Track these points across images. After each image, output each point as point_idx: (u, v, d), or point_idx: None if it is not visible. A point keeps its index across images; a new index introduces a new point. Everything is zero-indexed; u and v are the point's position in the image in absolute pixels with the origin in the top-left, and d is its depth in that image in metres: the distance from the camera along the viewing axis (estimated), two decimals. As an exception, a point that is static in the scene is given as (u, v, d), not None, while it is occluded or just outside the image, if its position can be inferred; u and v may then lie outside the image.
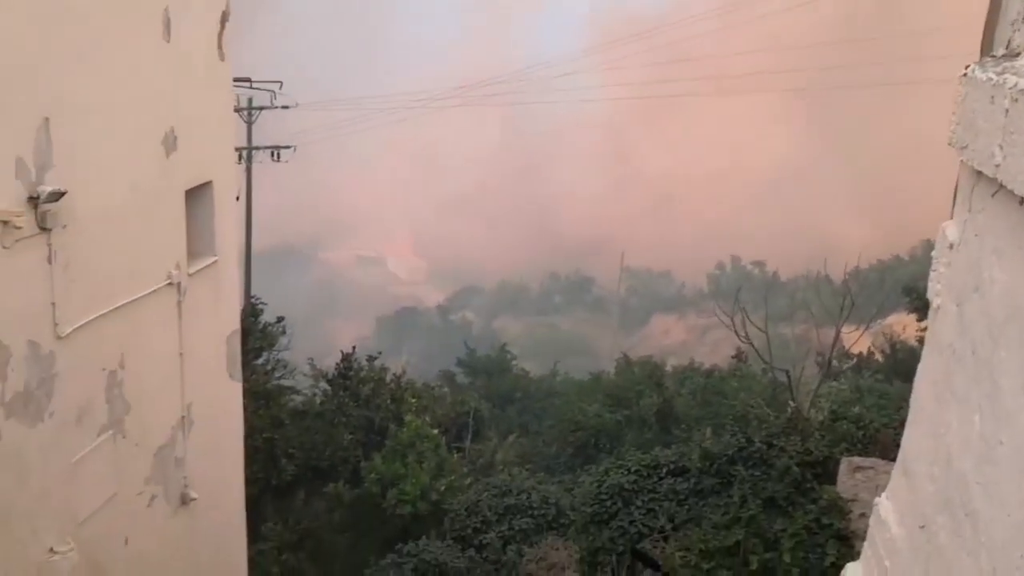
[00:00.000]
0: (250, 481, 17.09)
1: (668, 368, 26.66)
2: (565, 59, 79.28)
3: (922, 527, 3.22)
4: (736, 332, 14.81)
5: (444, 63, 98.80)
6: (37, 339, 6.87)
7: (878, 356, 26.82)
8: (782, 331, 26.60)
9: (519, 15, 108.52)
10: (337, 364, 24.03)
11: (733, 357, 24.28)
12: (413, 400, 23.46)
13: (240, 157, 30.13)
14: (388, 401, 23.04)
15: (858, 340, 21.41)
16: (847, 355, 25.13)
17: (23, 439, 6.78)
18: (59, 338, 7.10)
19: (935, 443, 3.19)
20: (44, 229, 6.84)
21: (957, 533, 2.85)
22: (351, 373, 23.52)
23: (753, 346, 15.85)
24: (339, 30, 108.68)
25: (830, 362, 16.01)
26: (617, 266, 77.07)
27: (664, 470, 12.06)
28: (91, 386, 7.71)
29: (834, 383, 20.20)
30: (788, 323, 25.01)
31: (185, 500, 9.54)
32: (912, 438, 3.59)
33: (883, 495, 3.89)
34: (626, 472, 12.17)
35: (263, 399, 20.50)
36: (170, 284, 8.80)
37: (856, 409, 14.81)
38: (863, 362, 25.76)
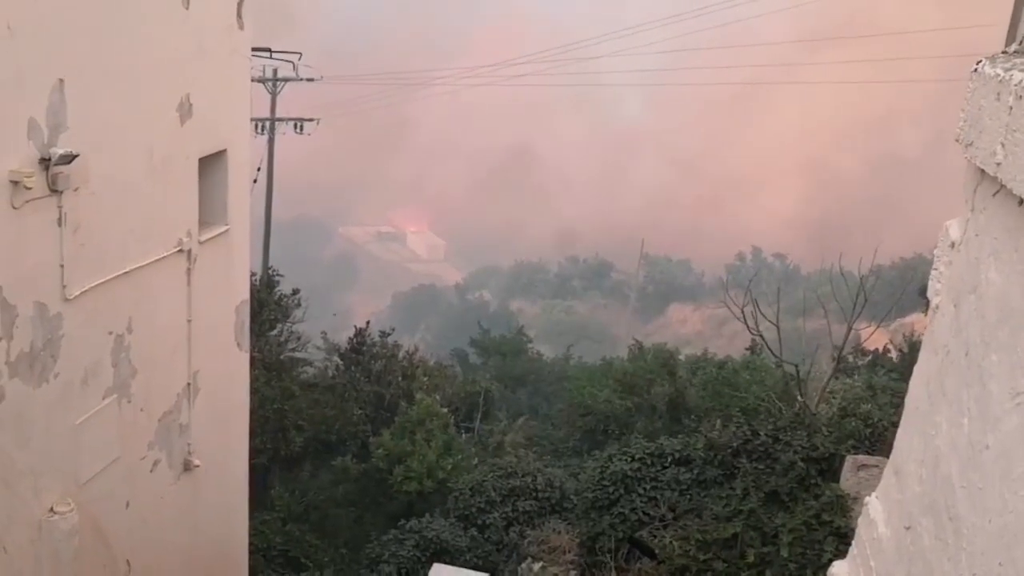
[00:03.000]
0: (258, 451, 17.29)
1: (682, 357, 26.52)
2: (589, 41, 78.76)
3: (908, 528, 3.18)
4: (746, 323, 14.70)
5: (482, 41, 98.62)
6: (44, 300, 6.91)
7: (893, 354, 26.60)
8: (799, 325, 26.37)
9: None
10: (350, 339, 24.10)
11: (747, 349, 24.12)
12: (424, 378, 23.53)
13: (263, 128, 30.20)
14: (399, 378, 23.11)
15: (872, 337, 21.22)
16: (862, 352, 24.94)
17: (27, 399, 6.84)
18: (67, 300, 7.14)
19: (925, 444, 3.14)
20: (55, 191, 6.87)
21: (940, 537, 2.81)
22: (364, 348, 23.59)
23: (763, 339, 15.74)
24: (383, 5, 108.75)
25: (839, 358, 15.86)
26: (637, 252, 76.73)
27: (668, 459, 12.03)
28: (98, 349, 7.75)
29: (848, 380, 20.05)
30: (806, 317, 24.80)
31: (188, 467, 9.60)
32: (904, 437, 3.54)
33: (874, 494, 3.86)
34: (630, 459, 12.14)
35: (275, 370, 20.59)
36: (180, 251, 8.82)
37: (867, 406, 14.69)
38: (879, 359, 25.55)
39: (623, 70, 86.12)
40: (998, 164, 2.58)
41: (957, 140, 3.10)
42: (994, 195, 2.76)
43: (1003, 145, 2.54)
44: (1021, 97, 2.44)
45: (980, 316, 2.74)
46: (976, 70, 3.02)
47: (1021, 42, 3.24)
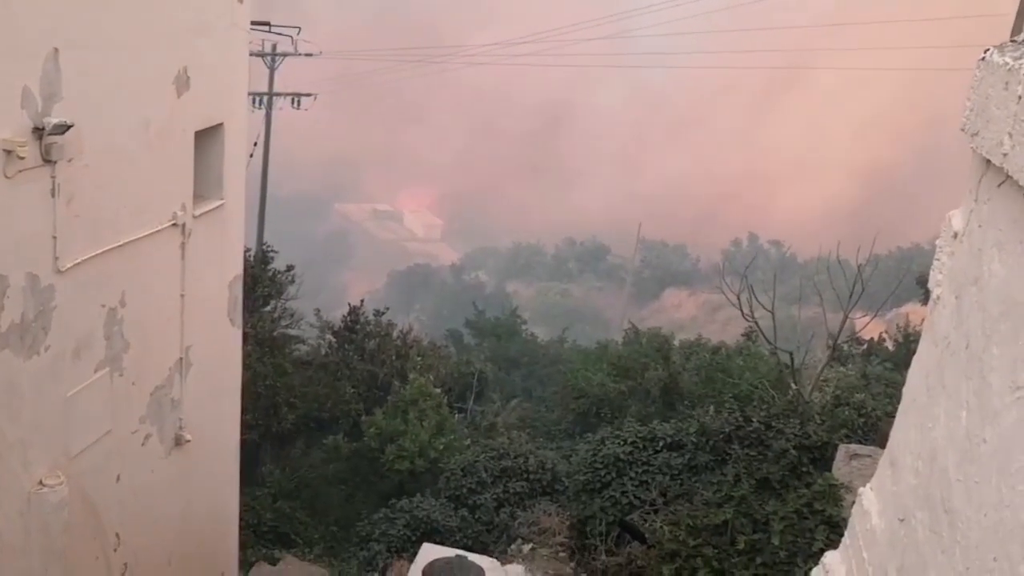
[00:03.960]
0: (250, 427, 17.25)
1: (676, 343, 26.51)
2: (608, 19, 78.23)
3: (902, 520, 3.16)
4: (740, 309, 14.67)
5: (487, 19, 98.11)
6: (36, 271, 6.85)
7: (889, 344, 26.63)
8: (794, 313, 26.38)
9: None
10: (344, 317, 24.05)
11: (743, 336, 24.12)
12: (418, 358, 23.49)
13: (260, 103, 30.04)
14: (393, 357, 23.08)
15: (868, 326, 21.22)
16: (858, 341, 24.95)
17: (17, 371, 6.79)
18: (59, 272, 7.08)
19: (922, 436, 3.12)
20: (48, 161, 6.79)
21: (935, 530, 2.79)
22: (358, 327, 23.55)
23: (757, 325, 15.73)
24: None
25: (834, 346, 15.85)
26: (634, 235, 76.67)
27: (660, 443, 12.03)
28: (90, 322, 7.70)
29: (842, 368, 20.09)
30: (801, 304, 24.81)
31: (179, 441, 9.58)
32: (901, 429, 3.52)
33: (868, 485, 3.83)
34: (622, 443, 12.15)
35: (268, 347, 20.54)
36: (175, 225, 8.76)
37: (861, 396, 14.71)
38: (874, 348, 25.57)
39: (641, 52, 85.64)
40: (1004, 154, 2.54)
41: (962, 129, 3.05)
42: (999, 186, 2.71)
43: (1010, 135, 2.50)
44: (1031, 87, 2.40)
45: (982, 308, 2.70)
46: (984, 58, 2.97)
47: (1017, 33, 3.20)
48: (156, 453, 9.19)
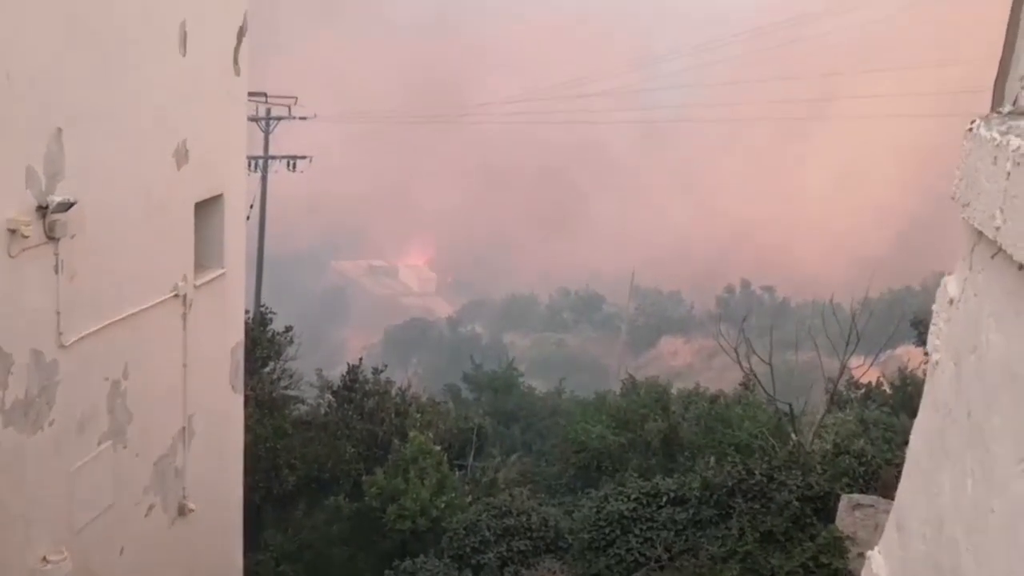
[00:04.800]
0: (251, 490, 17.11)
1: (673, 391, 26.46)
2: (582, 82, 79.54)
3: (912, 586, 3.18)
4: (739, 363, 14.72)
5: (472, 81, 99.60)
6: (40, 347, 6.90)
7: (887, 387, 26.59)
8: (789, 358, 26.39)
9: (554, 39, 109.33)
10: (343, 376, 24.01)
11: (740, 384, 24.09)
12: (417, 415, 23.40)
13: (256, 166, 30.36)
14: (392, 415, 22.98)
15: (867, 371, 21.28)
16: (855, 385, 24.95)
17: (21, 447, 6.81)
18: (62, 347, 7.13)
19: (928, 502, 3.15)
20: (52, 238, 6.89)
21: (946, 599, 2.81)
22: (356, 385, 23.49)
23: (756, 378, 15.77)
24: (374, 47, 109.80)
25: (833, 396, 15.88)
26: (627, 284, 76.92)
27: (664, 498, 11.99)
28: (93, 395, 7.73)
29: (840, 414, 20.05)
30: (796, 350, 24.86)
31: (183, 511, 9.54)
32: (906, 493, 3.55)
33: (876, 548, 3.85)
34: (626, 499, 12.10)
35: (268, 408, 20.48)
36: (176, 296, 8.83)
37: (861, 442, 14.69)
38: (871, 393, 25.54)
39: (625, 108, 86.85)
40: (997, 228, 2.60)
41: (953, 198, 3.14)
42: (992, 257, 2.78)
43: (1002, 210, 2.57)
44: (1019, 163, 2.47)
45: (981, 377, 2.75)
46: (971, 130, 3.07)
47: (1015, 102, 3.30)
48: (160, 523, 9.15)
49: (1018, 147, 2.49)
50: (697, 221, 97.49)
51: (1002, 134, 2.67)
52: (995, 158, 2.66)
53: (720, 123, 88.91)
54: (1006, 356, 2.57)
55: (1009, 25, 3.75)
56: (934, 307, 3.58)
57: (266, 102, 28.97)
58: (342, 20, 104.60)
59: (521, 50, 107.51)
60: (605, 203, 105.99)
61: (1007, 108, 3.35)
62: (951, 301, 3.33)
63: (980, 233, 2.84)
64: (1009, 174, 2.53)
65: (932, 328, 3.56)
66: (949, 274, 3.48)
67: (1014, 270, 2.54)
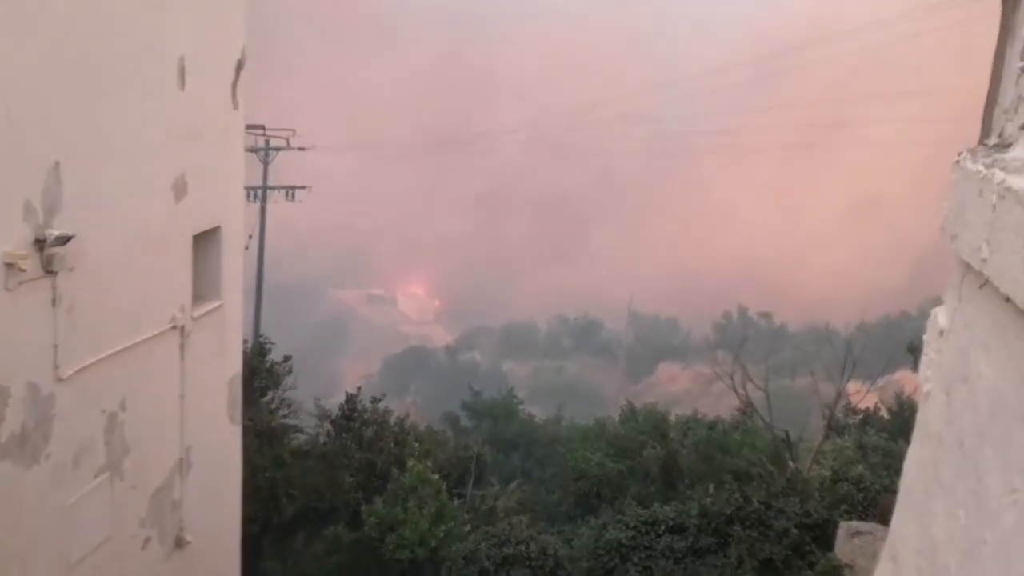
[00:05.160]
0: (250, 520, 17.04)
1: (672, 418, 26.43)
2: (586, 110, 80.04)
3: (908, 618, 3.18)
4: (735, 390, 14.72)
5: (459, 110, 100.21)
6: (37, 381, 6.90)
7: (885, 413, 26.56)
8: (786, 384, 26.40)
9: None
10: (341, 405, 23.96)
11: (738, 410, 24.06)
12: (416, 444, 23.33)
13: (255, 196, 30.48)
14: (391, 444, 22.91)
15: (865, 397, 21.28)
16: (853, 411, 24.92)
17: (18, 480, 6.78)
18: (59, 380, 7.13)
19: (921, 532, 3.15)
20: (50, 272, 6.90)
21: (941, 629, 2.81)
22: (355, 414, 23.44)
23: (753, 405, 15.76)
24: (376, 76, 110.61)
25: (830, 422, 15.87)
26: (625, 310, 77.03)
27: (662, 527, 11.94)
28: (90, 428, 7.72)
29: (838, 440, 20.02)
30: (793, 376, 24.88)
31: (180, 543, 9.50)
32: (900, 522, 3.55)
33: (873, 577, 3.85)
34: (624, 528, 12.05)
35: (266, 438, 20.42)
36: (174, 328, 8.84)
37: (859, 468, 14.65)
38: (869, 418, 25.51)
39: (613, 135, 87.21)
40: (983, 260, 2.63)
41: (942, 230, 3.17)
42: (980, 288, 2.81)
43: (988, 243, 2.60)
44: (1004, 197, 2.50)
45: (972, 407, 2.77)
46: (958, 162, 3.11)
47: (1000, 135, 3.34)
48: (156, 556, 9.11)
49: (1002, 180, 2.52)
50: (696, 247, 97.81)
51: (987, 167, 2.70)
52: (981, 191, 2.70)
53: (723, 149, 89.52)
54: (995, 386, 2.59)
55: (995, 57, 3.81)
56: (924, 337, 3.61)
57: (264, 134, 29.16)
58: (347, 47, 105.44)
59: (525, 78, 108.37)
60: (603, 230, 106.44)
61: (992, 140, 3.40)
62: (941, 332, 3.36)
63: (968, 265, 2.87)
64: (994, 207, 2.56)
65: (923, 359, 3.58)
66: (940, 305, 3.51)
67: (1001, 302, 2.57)
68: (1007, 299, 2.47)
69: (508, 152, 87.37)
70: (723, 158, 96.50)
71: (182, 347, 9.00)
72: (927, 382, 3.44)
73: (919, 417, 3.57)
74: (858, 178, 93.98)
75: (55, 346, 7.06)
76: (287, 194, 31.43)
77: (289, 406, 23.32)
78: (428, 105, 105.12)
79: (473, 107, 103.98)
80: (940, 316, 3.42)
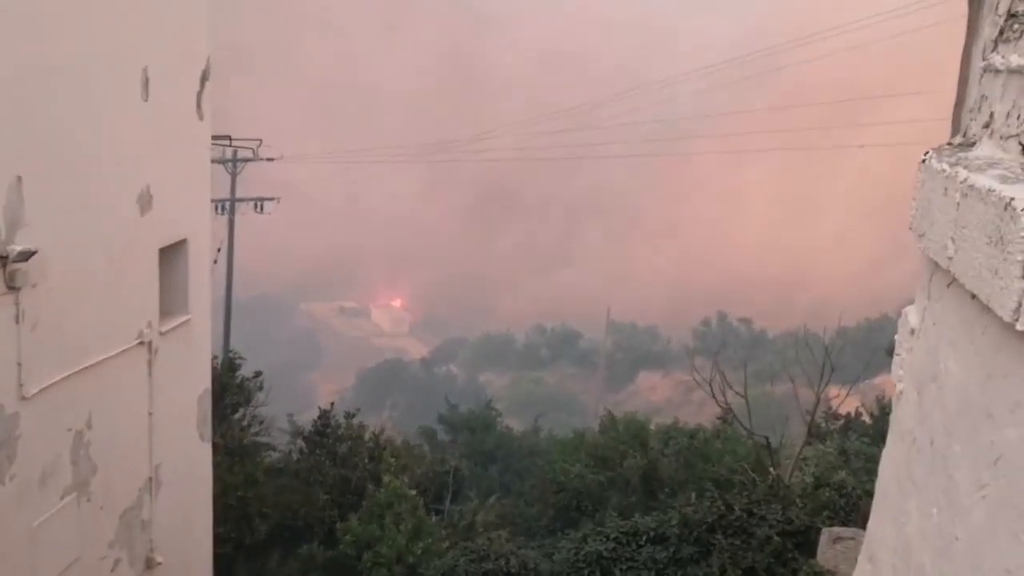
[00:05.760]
0: (222, 540, 16.82)
1: (652, 427, 26.42)
2: (569, 115, 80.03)
3: (884, 618, 3.15)
4: (714, 396, 14.73)
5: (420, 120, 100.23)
6: (1, 400, 6.76)
7: (866, 417, 26.68)
8: (766, 390, 26.44)
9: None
10: (314, 421, 23.74)
11: (718, 418, 24.08)
12: (392, 459, 23.14)
13: (223, 209, 30.22)
14: (366, 460, 22.71)
15: (844, 401, 21.35)
16: (834, 416, 25.01)
17: (-19, 503, 6.64)
18: (24, 399, 6.98)
19: (896, 531, 3.13)
20: (13, 288, 6.77)
21: (916, 628, 2.78)
22: (328, 430, 23.22)
23: (732, 412, 15.77)
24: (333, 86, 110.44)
25: (810, 427, 15.90)
26: (603, 320, 77.17)
27: (643, 537, 11.88)
28: (56, 447, 7.57)
29: (820, 446, 20.06)
30: (774, 382, 24.96)
31: (150, 564, 9.34)
32: (876, 523, 3.54)
33: (850, 580, 3.83)
34: (605, 539, 11.97)
35: (238, 456, 20.19)
36: (141, 343, 8.71)
37: (842, 474, 14.68)
38: (851, 423, 25.62)
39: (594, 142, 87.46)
40: (949, 258, 2.61)
41: (910, 229, 3.15)
42: (948, 286, 2.80)
43: (953, 240, 2.58)
44: (967, 195, 2.48)
45: (942, 405, 2.75)
46: (924, 161, 3.09)
47: (965, 134, 3.34)
48: (126, 578, 8.94)
49: (966, 179, 2.50)
50: (676, 254, 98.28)
51: (951, 165, 2.68)
52: (945, 189, 2.68)
53: (703, 155, 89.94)
54: (963, 384, 2.57)
55: (962, 61, 3.81)
56: (896, 337, 3.60)
57: (230, 145, 28.93)
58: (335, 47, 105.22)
59: (515, 76, 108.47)
60: (585, 237, 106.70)
61: (957, 140, 3.40)
62: (912, 331, 3.35)
63: (935, 263, 2.86)
64: (958, 205, 2.54)
65: (895, 358, 3.57)
66: (910, 305, 3.50)
67: (967, 299, 2.55)
68: (973, 296, 2.45)
69: (476, 163, 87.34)
70: (705, 163, 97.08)
71: (150, 363, 8.86)
72: (900, 381, 3.43)
73: (893, 417, 3.55)
74: (842, 182, 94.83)
75: (19, 364, 6.91)
76: (256, 206, 31.19)
77: (261, 423, 23.06)
78: (411, 110, 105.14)
79: (458, 112, 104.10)
80: (911, 315, 3.42)
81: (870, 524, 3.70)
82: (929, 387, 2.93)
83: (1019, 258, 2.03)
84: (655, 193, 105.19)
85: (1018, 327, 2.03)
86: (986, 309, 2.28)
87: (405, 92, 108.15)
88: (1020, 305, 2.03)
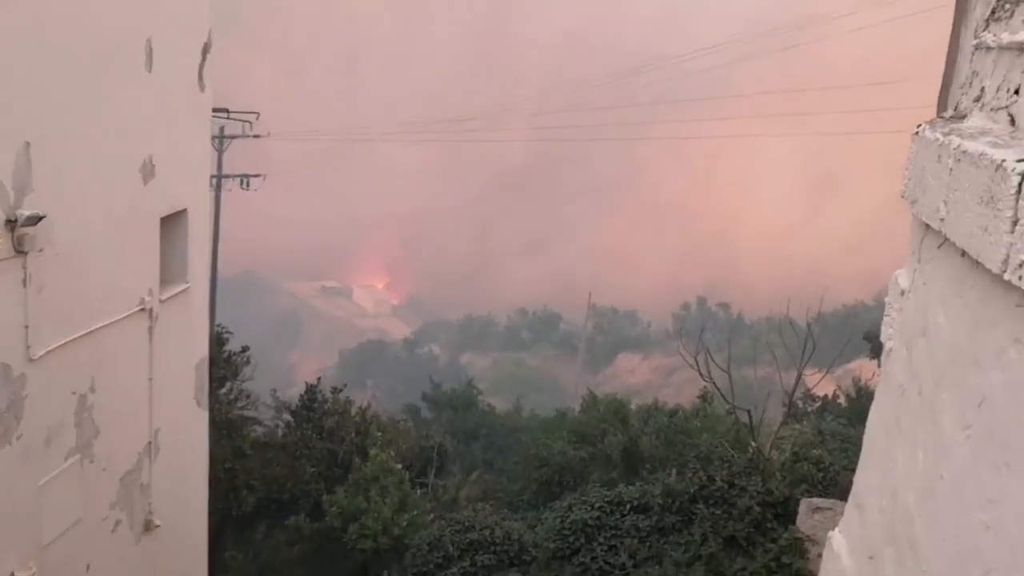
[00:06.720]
0: (210, 512, 17.00)
1: (632, 407, 26.75)
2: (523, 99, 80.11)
3: (871, 558, 3.40)
4: (699, 371, 15.02)
5: (415, 100, 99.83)
6: (8, 361, 6.90)
7: (842, 400, 27.14)
8: (746, 373, 26.82)
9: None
10: (301, 396, 23.91)
11: (699, 397, 24.42)
12: (379, 434, 23.37)
13: (210, 184, 30.16)
14: (352, 434, 22.91)
15: (820, 383, 21.73)
16: (812, 398, 25.44)
17: (-10, 460, 6.79)
18: (31, 360, 7.12)
19: (884, 478, 3.37)
20: (21, 252, 6.90)
21: (901, 563, 3.02)
22: (315, 405, 23.40)
23: (716, 386, 16.07)
24: (325, 64, 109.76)
25: (790, 405, 16.24)
26: (584, 303, 77.47)
27: (627, 506, 12.17)
28: (61, 409, 7.72)
29: (797, 426, 20.44)
30: (752, 365, 25.32)
31: (149, 527, 9.52)
32: (864, 473, 3.78)
33: (836, 529, 4.08)
34: (589, 508, 12.26)
35: (225, 429, 20.34)
36: (142, 310, 8.85)
37: (817, 451, 15.02)
38: (828, 405, 26.06)
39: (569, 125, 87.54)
40: (941, 219, 2.84)
41: (903, 196, 3.39)
42: (939, 247, 3.03)
43: (945, 203, 2.81)
44: (959, 160, 2.70)
45: (931, 357, 2.99)
46: (917, 133, 3.33)
47: (956, 107, 3.57)
48: (126, 539, 9.12)
49: (959, 145, 2.73)
50: (655, 239, 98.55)
51: (944, 135, 2.92)
52: (939, 156, 2.91)
53: (683, 140, 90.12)
54: (951, 335, 2.80)
55: (951, 41, 4.04)
56: (887, 299, 3.84)
57: (228, 117, 28.85)
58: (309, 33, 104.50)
59: (521, 59, 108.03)
60: (563, 222, 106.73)
61: (949, 112, 3.63)
62: (902, 292, 3.59)
63: (927, 226, 3.09)
64: (951, 170, 2.77)
65: (885, 319, 3.81)
66: (901, 269, 3.74)
67: (957, 257, 2.78)
68: (963, 253, 2.68)
69: (461, 143, 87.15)
70: (682, 148, 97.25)
71: (150, 330, 9.01)
72: (889, 340, 3.67)
73: (882, 373, 3.80)
74: (816, 167, 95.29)
75: (26, 327, 7.05)
76: (242, 182, 31.14)
77: (247, 397, 23.21)
78: (390, 92, 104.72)
79: (435, 93, 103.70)
80: (901, 278, 3.66)
81: (857, 476, 3.94)
82: (918, 342, 3.17)
83: (1008, 214, 2.24)
84: (638, 177, 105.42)
85: (1006, 277, 2.25)
86: (975, 264, 2.50)
87: (416, 70, 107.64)
88: (1008, 257, 2.24)
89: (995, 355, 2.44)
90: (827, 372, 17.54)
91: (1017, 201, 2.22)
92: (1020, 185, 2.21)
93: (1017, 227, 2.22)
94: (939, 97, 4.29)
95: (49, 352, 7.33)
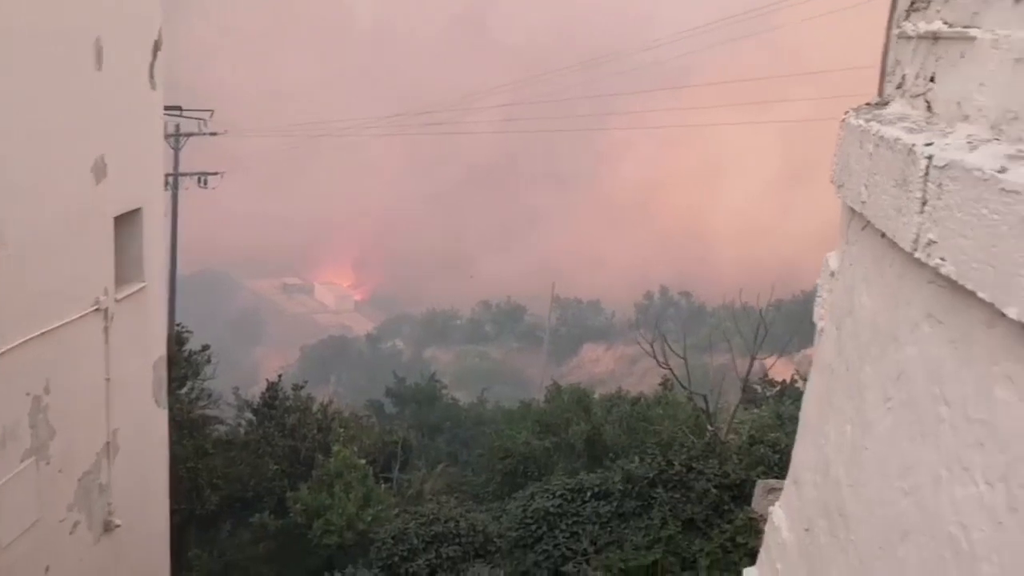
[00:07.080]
0: (173, 512, 16.90)
1: (596, 396, 26.96)
2: (488, 92, 80.00)
3: (807, 530, 3.53)
4: (656, 358, 15.22)
5: (381, 93, 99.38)
6: (-39, 363, 6.87)
7: (800, 384, 27.49)
8: (705, 360, 27.15)
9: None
10: (262, 394, 23.82)
11: (660, 385, 24.69)
12: (341, 430, 23.35)
13: (166, 183, 29.87)
14: (315, 431, 22.89)
15: (779, 368, 22.06)
16: (771, 383, 25.78)
17: (-56, 464, 6.76)
18: (-17, 363, 7.09)
19: (817, 453, 3.51)
20: (-31, 254, 6.87)
21: (833, 533, 3.16)
22: (276, 403, 23.33)
23: (673, 373, 16.30)
24: (281, 56, 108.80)
25: (744, 388, 16.51)
26: (548, 295, 77.67)
27: (588, 494, 12.33)
28: (15, 411, 7.68)
29: (756, 410, 20.76)
30: (711, 352, 25.65)
31: (108, 527, 9.48)
32: (800, 450, 3.92)
33: (777, 504, 4.23)
34: (551, 496, 12.40)
35: (187, 428, 20.23)
36: (97, 310, 8.81)
37: (775, 434, 15.28)
38: (786, 389, 26.42)
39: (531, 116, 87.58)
40: (863, 203, 2.98)
41: (832, 181, 3.54)
42: (863, 229, 3.17)
43: (866, 187, 2.94)
44: (878, 145, 2.84)
45: (856, 335, 3.12)
46: (844, 120, 3.47)
47: (881, 95, 3.71)
48: (85, 541, 9.08)
49: (878, 131, 2.86)
50: (618, 229, 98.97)
51: (867, 121, 3.06)
52: (861, 142, 3.05)
53: (651, 131, 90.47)
54: (874, 314, 2.94)
55: (887, 33, 4.19)
56: (818, 281, 3.99)
57: (181, 114, 28.58)
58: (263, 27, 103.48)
59: (451, 54, 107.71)
60: (530, 215, 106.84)
61: (874, 100, 3.78)
62: (832, 274, 3.73)
63: (852, 210, 3.23)
64: (871, 155, 2.91)
65: (817, 300, 3.97)
66: (831, 252, 3.89)
67: (878, 238, 2.92)
68: (882, 234, 2.82)
69: (422, 136, 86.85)
70: (641, 137, 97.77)
71: (106, 330, 8.97)
72: (820, 320, 3.82)
73: (815, 353, 3.94)
74: (788, 155, 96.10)
75: (-23, 329, 7.02)
76: (199, 180, 30.88)
77: (209, 396, 23.10)
78: (345, 86, 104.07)
79: (396, 85, 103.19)
80: (831, 260, 3.81)
81: (794, 453, 4.08)
82: (846, 321, 3.31)
83: (917, 195, 2.37)
84: (602, 165, 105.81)
85: (916, 255, 2.38)
86: (892, 245, 2.64)
87: (387, 63, 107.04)
88: (918, 237, 2.37)
89: (910, 330, 2.58)
90: (780, 357, 17.82)
91: (925, 183, 2.35)
92: (927, 168, 2.33)
93: (925, 207, 2.34)
94: (879, 88, 4.46)
95: (2, 353, 7.29)
